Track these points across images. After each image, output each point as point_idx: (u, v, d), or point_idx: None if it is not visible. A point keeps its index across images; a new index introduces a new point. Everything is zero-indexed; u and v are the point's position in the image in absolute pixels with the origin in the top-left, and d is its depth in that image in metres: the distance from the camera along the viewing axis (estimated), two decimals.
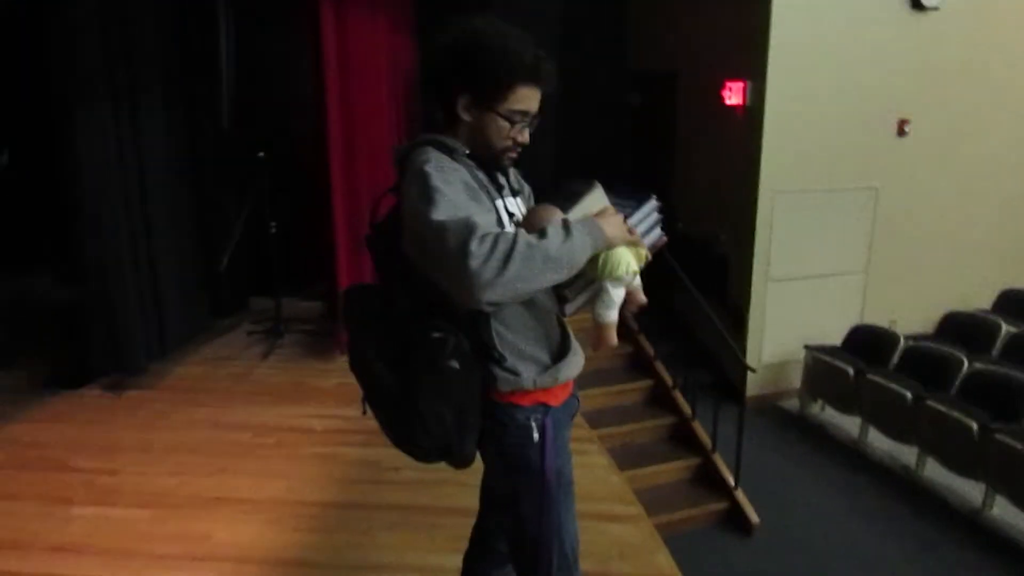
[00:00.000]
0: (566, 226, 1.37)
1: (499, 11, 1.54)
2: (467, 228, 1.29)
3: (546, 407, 1.59)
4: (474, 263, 1.26)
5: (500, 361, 1.53)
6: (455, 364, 1.46)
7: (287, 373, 4.45)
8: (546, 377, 1.57)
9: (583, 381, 5.03)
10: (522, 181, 1.76)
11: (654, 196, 1.60)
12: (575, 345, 1.66)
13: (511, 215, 1.53)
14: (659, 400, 4.93)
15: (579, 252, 1.37)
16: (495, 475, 1.69)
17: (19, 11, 4.51)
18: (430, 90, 1.55)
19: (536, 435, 1.58)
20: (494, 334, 1.53)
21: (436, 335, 1.45)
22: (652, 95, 6.58)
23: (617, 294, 1.54)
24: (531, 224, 1.44)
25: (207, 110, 5.09)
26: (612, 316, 1.57)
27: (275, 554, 2.69)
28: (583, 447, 3.65)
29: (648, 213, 1.59)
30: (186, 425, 3.72)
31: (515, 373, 1.54)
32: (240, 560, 2.66)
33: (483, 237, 1.28)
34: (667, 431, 4.76)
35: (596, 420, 4.43)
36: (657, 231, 1.60)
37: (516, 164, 1.65)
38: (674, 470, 4.47)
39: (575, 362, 1.63)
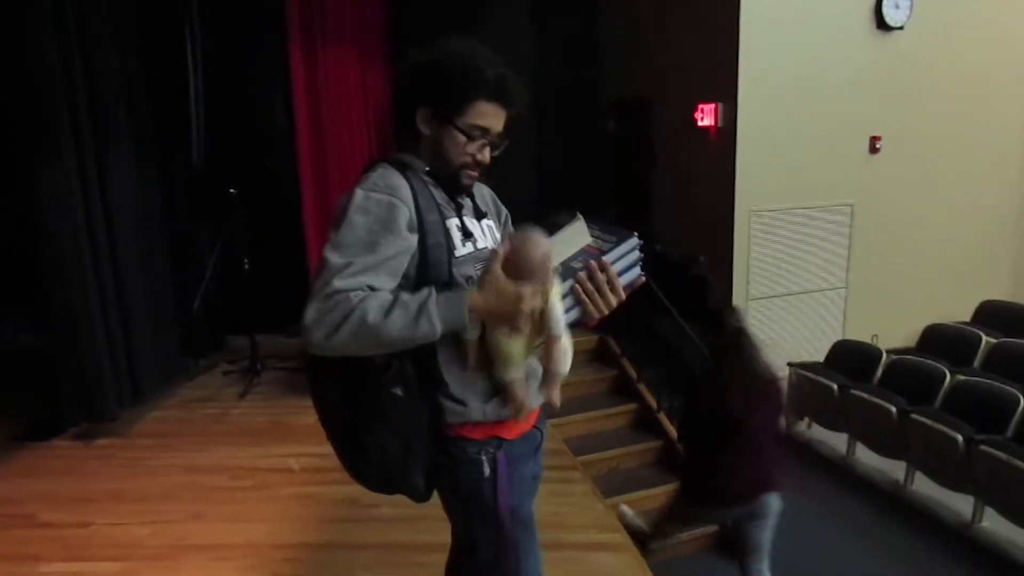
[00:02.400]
0: (420, 309, 1.32)
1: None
2: (325, 281, 1.32)
3: (499, 440, 1.53)
4: (309, 317, 1.31)
5: (447, 391, 1.48)
6: (398, 391, 1.42)
7: (265, 412, 4.37)
8: (497, 408, 1.51)
9: (566, 408, 4.94)
10: (499, 204, 1.73)
11: (636, 235, 1.54)
12: (537, 374, 1.59)
13: (468, 235, 1.50)
14: (644, 424, 4.88)
15: (421, 337, 1.34)
16: (450, 513, 1.63)
17: None
18: (397, 109, 1.54)
19: (487, 470, 1.52)
20: (440, 361, 1.47)
21: (379, 360, 1.41)
22: (628, 122, 6.64)
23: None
24: (516, 251, 1.40)
25: (177, 147, 5.04)
26: (514, 373, 1.48)
27: None
28: (566, 475, 3.60)
29: (627, 251, 1.53)
30: (160, 471, 3.62)
31: (462, 403, 1.49)
32: None
33: (329, 296, 1.31)
34: (653, 455, 4.71)
35: (580, 447, 4.37)
36: (635, 271, 1.54)
37: (490, 185, 1.62)
38: (662, 495, 4.40)
39: (533, 391, 1.56)
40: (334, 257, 1.35)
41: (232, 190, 4.75)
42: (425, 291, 1.35)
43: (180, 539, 2.99)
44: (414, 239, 1.43)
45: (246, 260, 4.84)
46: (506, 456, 1.53)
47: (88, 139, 3.91)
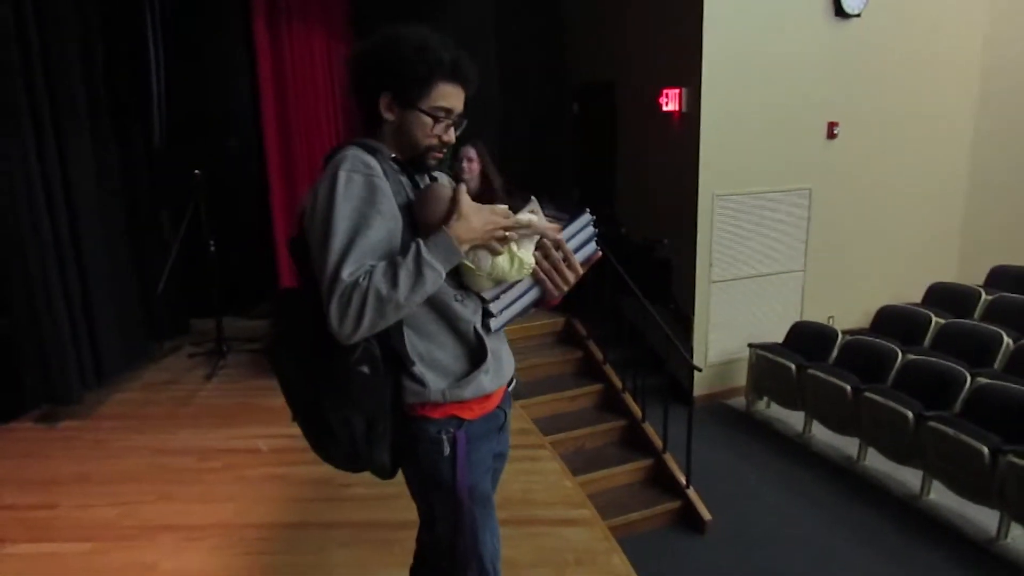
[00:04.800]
0: (418, 263, 1.38)
1: (436, 25, 1.55)
2: (332, 277, 1.38)
3: (459, 420, 1.56)
4: (334, 318, 1.36)
5: (409, 370, 1.52)
6: (364, 369, 1.45)
7: (232, 394, 4.35)
8: (456, 390, 1.54)
9: (533, 389, 5.04)
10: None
11: (588, 210, 1.60)
12: (501, 356, 1.64)
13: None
14: (610, 404, 4.98)
15: (431, 285, 1.41)
16: (412, 490, 1.67)
17: None
18: (356, 95, 1.57)
19: (447, 449, 1.55)
20: (407, 341, 1.52)
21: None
22: (592, 105, 6.68)
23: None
24: (423, 207, 1.47)
25: (138, 127, 4.94)
26: (515, 276, 1.54)
27: None
28: (535, 453, 3.67)
29: (581, 227, 1.59)
30: (126, 453, 3.59)
31: (422, 384, 1.52)
32: None
33: (342, 292, 1.36)
34: (618, 434, 4.81)
35: (548, 426, 4.45)
36: (591, 246, 1.60)
37: (440, 164, 1.65)
38: (626, 472, 4.51)
39: (495, 374, 1.60)
40: (333, 248, 1.39)
41: (196, 171, 4.68)
42: (413, 246, 1.40)
43: (149, 520, 2.99)
44: (398, 214, 1.47)
45: (212, 242, 4.79)
46: (466, 435, 1.57)
47: (46, 116, 3.82)
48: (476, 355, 1.57)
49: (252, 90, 4.95)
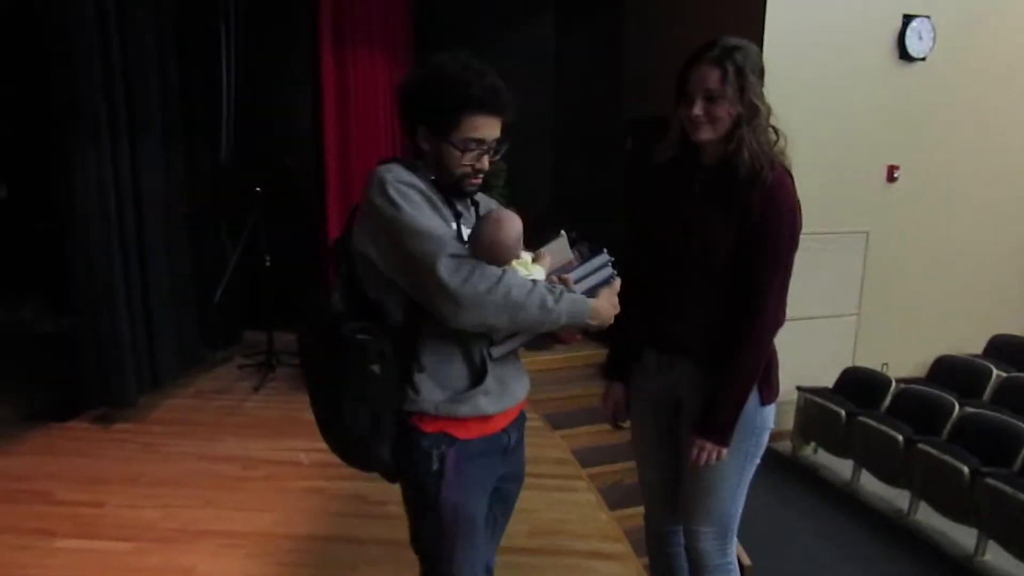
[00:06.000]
0: (558, 299, 1.48)
1: (496, 52, 1.61)
2: (435, 257, 1.42)
3: (451, 438, 1.58)
4: (452, 284, 1.41)
5: (411, 376, 1.56)
6: (375, 369, 1.49)
7: (277, 406, 4.44)
8: (450, 405, 1.56)
9: (573, 419, 4.99)
10: None
11: (605, 251, 1.64)
12: (508, 381, 1.65)
13: (465, 242, 1.56)
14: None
15: (549, 324, 1.51)
16: (403, 497, 1.70)
17: (21, 43, 4.60)
18: (402, 124, 1.66)
19: (435, 464, 1.58)
20: (420, 349, 1.56)
21: (361, 337, 1.49)
22: (645, 140, 6.68)
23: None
24: (482, 234, 1.50)
25: (206, 144, 5.15)
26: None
27: None
28: (572, 484, 3.64)
29: (596, 268, 1.62)
30: (174, 458, 3.70)
31: (417, 392, 1.56)
32: None
33: (458, 268, 1.42)
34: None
35: (585, 458, 4.40)
36: (604, 288, 1.63)
37: (481, 190, 1.69)
38: None
39: (497, 398, 1.62)
40: (419, 231, 1.45)
41: (258, 188, 4.84)
42: (558, 287, 1.51)
43: (191, 524, 3.07)
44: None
45: (267, 257, 4.93)
46: (458, 454, 1.59)
47: (123, 130, 4.01)
48: (478, 376, 1.60)
49: (315, 112, 5.13)
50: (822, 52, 5.23)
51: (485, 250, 1.48)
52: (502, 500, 1.78)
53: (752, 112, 1.83)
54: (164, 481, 3.44)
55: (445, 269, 1.40)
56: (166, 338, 4.46)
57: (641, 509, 4.27)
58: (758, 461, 2.06)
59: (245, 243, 4.91)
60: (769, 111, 1.90)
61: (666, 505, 2.22)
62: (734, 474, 2.01)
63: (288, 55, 5.67)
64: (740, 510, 2.08)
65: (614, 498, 4.16)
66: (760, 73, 1.86)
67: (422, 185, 1.52)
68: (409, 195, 1.48)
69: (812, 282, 5.58)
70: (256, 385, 4.74)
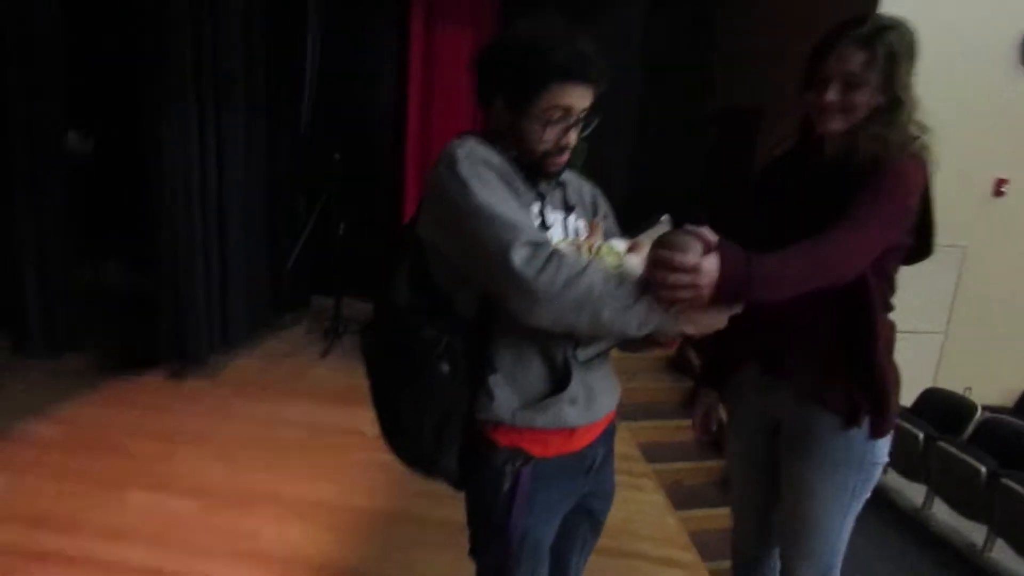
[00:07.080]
0: (641, 298, 1.24)
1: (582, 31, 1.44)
2: (508, 245, 1.21)
3: (527, 455, 1.40)
4: (526, 273, 1.20)
5: (486, 379, 1.38)
6: (444, 367, 1.34)
7: (343, 374, 4.46)
8: (529, 412, 1.38)
9: (635, 413, 4.83)
10: (599, 199, 1.62)
11: (667, 215, 1.41)
12: (595, 390, 1.46)
13: (545, 227, 1.41)
14: (716, 442, 4.77)
15: (633, 327, 1.26)
16: (467, 510, 1.53)
17: (114, 7, 4.67)
18: (478, 99, 1.47)
19: (506, 486, 1.40)
20: (494, 348, 1.38)
21: (428, 333, 1.35)
22: (732, 132, 6.44)
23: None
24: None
25: (288, 111, 5.18)
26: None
27: (322, 559, 2.66)
28: (638, 482, 3.56)
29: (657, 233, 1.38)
30: (243, 418, 3.75)
31: (491, 398, 1.37)
32: (286, 560, 2.64)
33: (534, 255, 1.21)
34: (719, 475, 4.59)
35: (647, 455, 4.30)
36: None
37: (571, 166, 1.50)
38: (724, 516, 4.29)
39: (585, 408, 1.43)
40: (490, 214, 1.25)
41: (336, 155, 4.85)
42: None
43: (256, 487, 3.09)
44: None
45: (341, 224, 4.95)
46: (533, 474, 1.41)
47: (209, 95, 4.07)
48: (560, 380, 1.40)
49: (398, 86, 5.09)
50: (936, 53, 4.86)
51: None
52: (589, 517, 1.61)
53: (894, 106, 1.57)
54: (232, 441, 3.49)
55: (519, 257, 1.20)
56: (239, 299, 4.54)
57: (701, 512, 4.20)
58: (867, 496, 1.85)
59: (321, 209, 4.93)
60: (915, 105, 1.61)
61: (760, 533, 2.05)
62: (839, 511, 1.81)
63: (374, 26, 5.64)
64: (843, 548, 1.91)
65: (676, 500, 4.06)
66: (912, 59, 1.59)
67: (498, 162, 1.35)
68: (482, 173, 1.29)
69: (899, 294, 5.32)
70: (323, 351, 4.78)
